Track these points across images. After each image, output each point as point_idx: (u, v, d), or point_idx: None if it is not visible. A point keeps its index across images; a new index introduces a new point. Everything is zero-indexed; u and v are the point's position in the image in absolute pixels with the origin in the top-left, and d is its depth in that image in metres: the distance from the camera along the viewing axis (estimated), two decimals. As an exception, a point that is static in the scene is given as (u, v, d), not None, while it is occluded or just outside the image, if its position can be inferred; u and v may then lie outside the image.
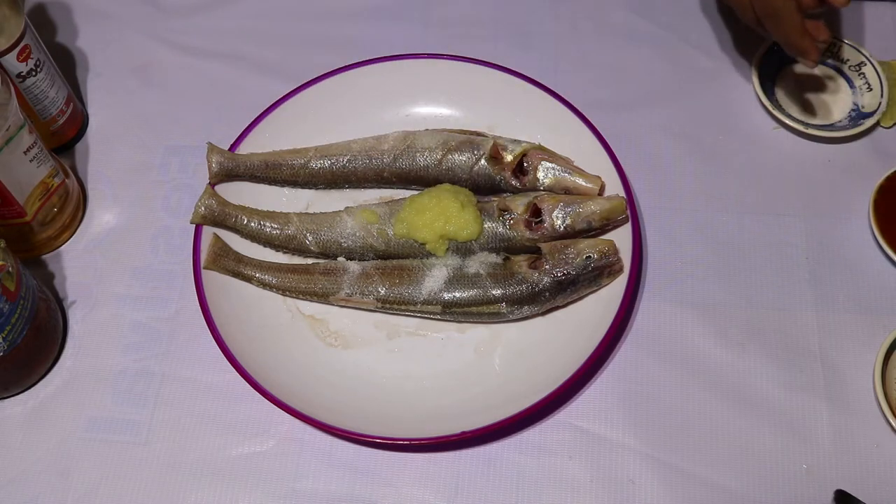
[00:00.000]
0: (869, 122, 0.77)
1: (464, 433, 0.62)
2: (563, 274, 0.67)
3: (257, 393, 0.64)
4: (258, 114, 0.76)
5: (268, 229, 0.73)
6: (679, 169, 0.78)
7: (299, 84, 0.77)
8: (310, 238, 0.72)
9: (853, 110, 0.80)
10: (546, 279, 0.67)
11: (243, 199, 0.75)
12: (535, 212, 0.70)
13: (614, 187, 0.72)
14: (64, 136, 0.80)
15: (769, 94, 0.80)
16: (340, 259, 0.72)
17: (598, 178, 0.72)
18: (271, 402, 0.64)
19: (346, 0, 0.89)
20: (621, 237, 0.70)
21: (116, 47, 0.87)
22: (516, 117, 0.77)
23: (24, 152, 0.68)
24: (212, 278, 0.70)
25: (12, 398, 0.69)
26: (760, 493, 0.64)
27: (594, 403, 0.68)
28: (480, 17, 0.88)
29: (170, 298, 0.73)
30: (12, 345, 0.64)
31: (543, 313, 0.70)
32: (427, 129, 0.77)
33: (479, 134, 0.75)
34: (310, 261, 0.73)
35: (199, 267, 0.70)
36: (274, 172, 0.75)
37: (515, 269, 0.68)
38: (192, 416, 0.68)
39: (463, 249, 0.71)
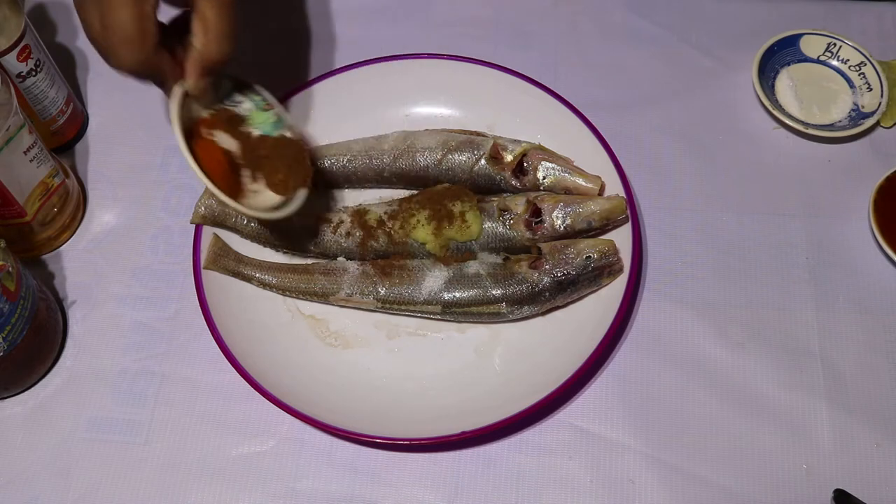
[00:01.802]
0: (869, 122, 0.78)
1: (464, 433, 0.62)
2: (563, 274, 0.67)
3: (257, 393, 0.64)
4: (258, 114, 0.76)
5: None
6: (679, 169, 0.78)
7: (299, 84, 0.77)
8: (310, 238, 0.72)
9: (853, 110, 0.80)
10: (546, 279, 0.67)
11: (243, 199, 0.75)
12: (535, 212, 0.70)
13: (614, 187, 0.72)
14: (64, 136, 0.80)
15: (769, 94, 0.80)
16: (340, 259, 0.72)
17: (598, 178, 0.72)
18: (271, 402, 0.64)
19: (346, 0, 0.89)
20: (621, 237, 0.70)
21: (116, 47, 0.87)
22: (516, 117, 0.77)
23: (24, 152, 0.68)
24: (212, 278, 0.70)
25: (12, 398, 0.69)
26: (760, 493, 0.64)
27: (594, 403, 0.68)
28: (480, 17, 0.88)
29: (170, 298, 0.73)
30: (12, 345, 0.64)
31: (543, 313, 0.70)
32: (427, 129, 0.77)
33: (479, 134, 0.75)
34: (310, 261, 0.73)
35: (199, 267, 0.70)
36: (274, 172, 0.75)
37: (515, 269, 0.68)
38: (192, 416, 0.68)
39: (463, 249, 0.71)
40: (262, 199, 0.64)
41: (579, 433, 0.67)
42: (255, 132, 0.65)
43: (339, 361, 0.70)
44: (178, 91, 0.60)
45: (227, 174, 0.63)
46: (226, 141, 0.64)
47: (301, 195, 0.65)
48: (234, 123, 0.64)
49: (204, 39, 0.58)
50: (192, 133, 0.63)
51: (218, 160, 0.63)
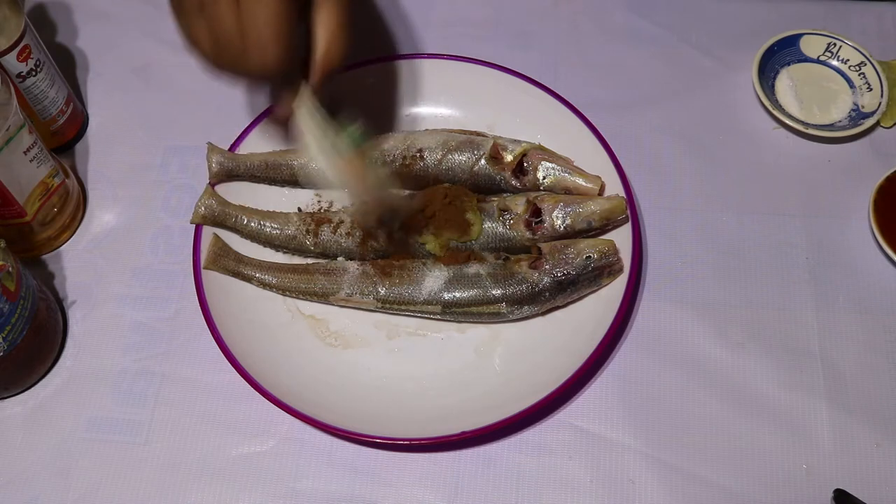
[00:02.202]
0: (869, 122, 0.77)
1: (464, 433, 0.62)
2: (563, 274, 0.67)
3: (257, 393, 0.64)
4: (258, 114, 0.76)
5: (268, 229, 0.73)
6: (679, 169, 0.78)
7: (299, 84, 0.77)
8: (310, 238, 0.72)
9: (853, 110, 0.80)
10: (546, 279, 0.67)
11: (243, 199, 0.75)
12: (535, 212, 0.70)
13: (614, 187, 0.72)
14: (64, 136, 0.80)
15: (769, 94, 0.80)
16: (340, 259, 0.72)
17: (598, 178, 0.72)
18: (271, 402, 0.64)
19: (346, 0, 0.89)
20: (621, 237, 0.70)
21: (117, 47, 0.87)
22: (516, 117, 0.77)
23: (24, 152, 0.68)
24: (212, 278, 0.70)
25: (12, 398, 0.69)
26: (760, 493, 0.64)
27: (594, 403, 0.68)
28: (480, 17, 0.88)
29: (170, 298, 0.73)
30: (12, 345, 0.64)
31: (543, 313, 0.70)
32: (427, 129, 0.77)
33: (479, 134, 0.75)
34: (310, 261, 0.73)
35: (199, 267, 0.70)
36: (274, 172, 0.75)
37: (515, 269, 0.68)
38: (192, 416, 0.68)
39: (463, 249, 0.71)
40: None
41: (579, 433, 0.67)
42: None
43: (339, 361, 0.70)
44: (305, 91, 0.58)
45: None
46: None
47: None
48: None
49: (328, 38, 0.54)
50: None
51: None
